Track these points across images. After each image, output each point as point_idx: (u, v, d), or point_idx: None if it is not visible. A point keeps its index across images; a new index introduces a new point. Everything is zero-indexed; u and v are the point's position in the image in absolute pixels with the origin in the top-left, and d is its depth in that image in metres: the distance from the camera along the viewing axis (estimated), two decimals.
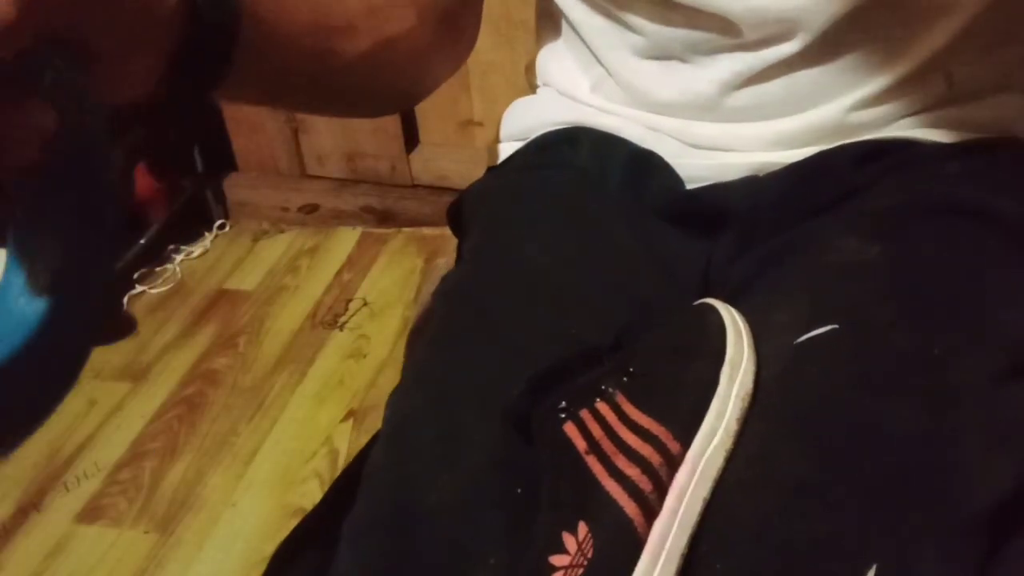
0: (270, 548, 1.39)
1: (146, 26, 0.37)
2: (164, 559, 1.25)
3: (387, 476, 0.48)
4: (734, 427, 0.42)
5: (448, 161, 1.80)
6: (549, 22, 0.69)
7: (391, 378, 1.52)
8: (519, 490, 0.45)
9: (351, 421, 1.44)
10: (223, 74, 0.42)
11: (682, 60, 0.60)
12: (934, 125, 0.58)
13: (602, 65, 0.64)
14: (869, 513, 0.39)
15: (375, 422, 1.47)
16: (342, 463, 1.37)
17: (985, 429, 0.42)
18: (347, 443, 1.40)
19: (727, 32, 0.57)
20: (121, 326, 1.69)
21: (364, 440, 1.45)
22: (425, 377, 0.53)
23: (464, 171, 1.73)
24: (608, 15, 0.62)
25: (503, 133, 0.73)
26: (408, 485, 0.47)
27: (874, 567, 0.37)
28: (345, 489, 0.52)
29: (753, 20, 0.55)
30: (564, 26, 0.67)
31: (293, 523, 1.39)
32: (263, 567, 1.32)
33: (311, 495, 1.33)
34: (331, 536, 0.49)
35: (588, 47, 0.65)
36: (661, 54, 0.61)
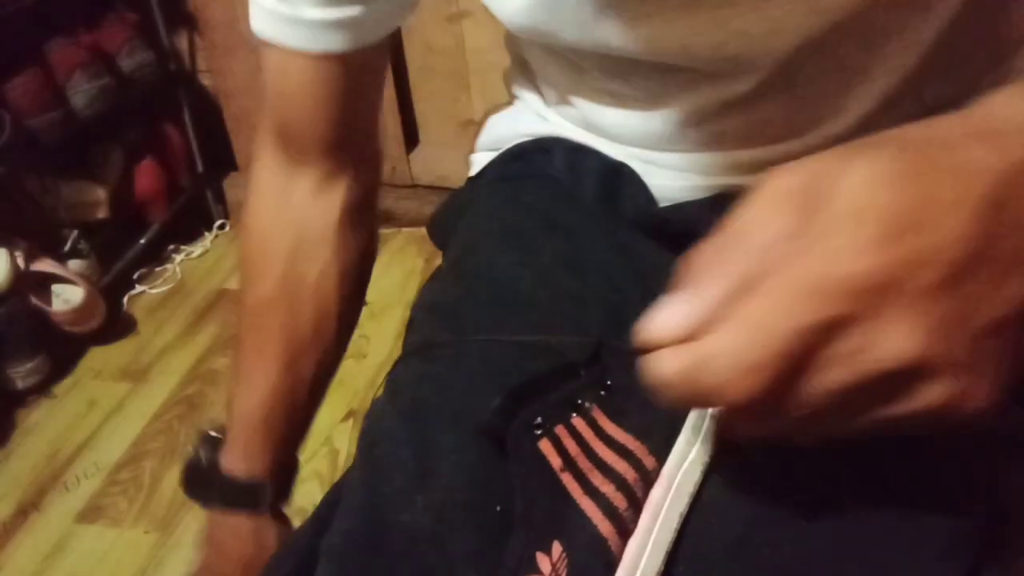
0: None
1: None
2: (164, 559, 1.25)
3: (362, 496, 0.47)
4: (712, 439, 0.41)
5: (448, 161, 1.80)
6: (513, 44, 0.68)
7: None
8: (497, 507, 0.44)
9: (351, 421, 1.44)
10: None
11: (636, 100, 0.58)
12: None
13: (565, 101, 0.63)
14: (842, 538, 0.39)
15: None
16: (342, 463, 1.37)
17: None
18: (347, 443, 1.40)
19: (678, 71, 0.56)
20: (121, 326, 1.69)
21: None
22: (400, 394, 0.52)
23: (464, 171, 1.72)
24: (561, 57, 0.61)
25: (481, 143, 0.73)
26: (382, 506, 0.46)
27: None
28: (333, 503, 0.51)
29: (694, 64, 0.54)
30: (526, 60, 0.66)
31: (293, 523, 1.39)
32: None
33: (311, 495, 1.32)
34: (311, 553, 0.49)
35: (549, 81, 0.64)
36: (616, 92, 0.59)
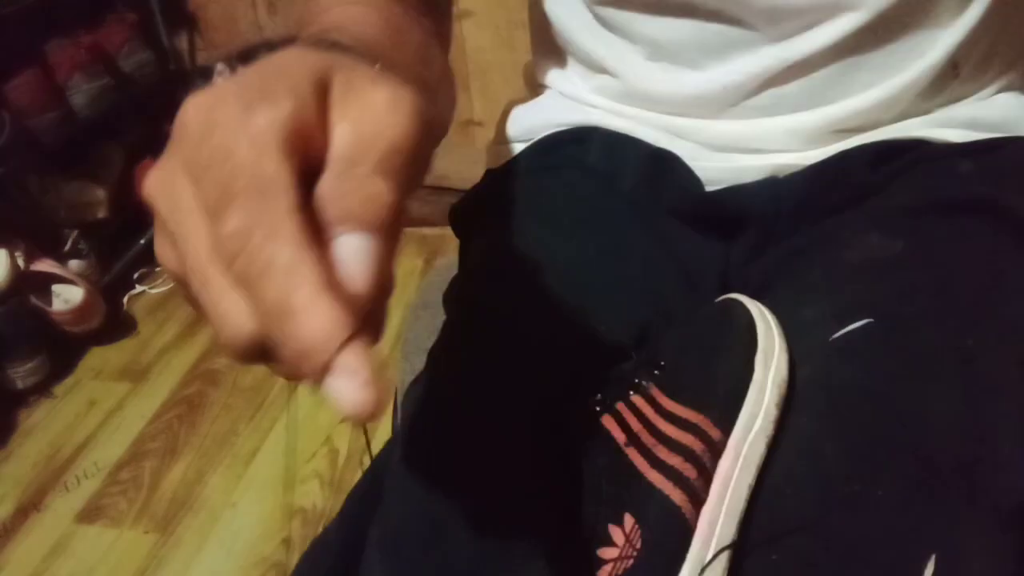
0: (270, 548, 1.40)
1: None
2: (164, 559, 1.25)
3: (419, 484, 0.47)
4: (774, 413, 0.42)
5: (448, 161, 1.80)
6: (542, 30, 0.68)
7: (390, 378, 1.51)
8: (561, 489, 0.45)
9: (351, 421, 1.43)
10: None
11: (694, 63, 0.60)
12: (947, 125, 0.59)
13: (606, 73, 0.64)
14: (915, 506, 0.40)
15: (375, 422, 1.46)
16: (342, 463, 1.37)
17: (1021, 420, 0.43)
18: (347, 443, 1.40)
19: (741, 31, 0.57)
20: (121, 326, 1.69)
21: (364, 440, 1.44)
22: (448, 385, 0.51)
23: (464, 171, 1.72)
24: (612, 25, 0.61)
25: (501, 135, 0.72)
26: (443, 493, 0.46)
27: (931, 564, 0.38)
28: (363, 499, 0.51)
29: (754, 14, 0.55)
30: (561, 38, 0.67)
31: (293, 523, 1.39)
32: (263, 567, 1.32)
33: (311, 495, 1.33)
34: (348, 545, 0.48)
35: (589, 57, 0.64)
36: (672, 59, 0.60)
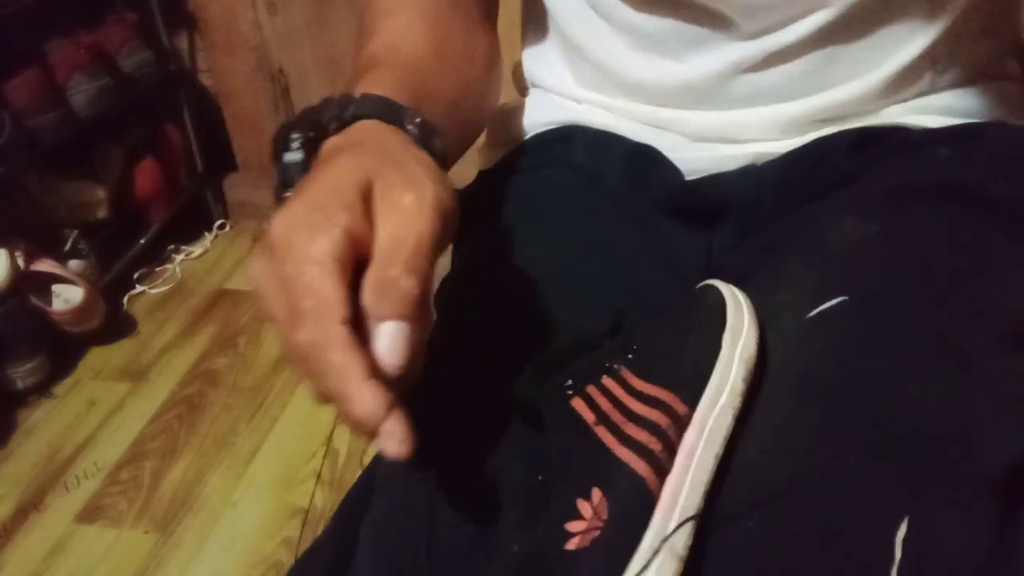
0: (270, 548, 1.40)
1: None
2: (164, 559, 1.25)
3: (405, 475, 0.48)
4: (740, 387, 0.43)
5: None
6: (535, 24, 0.70)
7: None
8: (539, 477, 0.45)
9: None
10: None
11: (676, 54, 0.60)
12: (924, 112, 0.60)
13: (593, 62, 0.65)
14: (889, 476, 0.40)
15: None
16: (342, 463, 1.37)
17: (995, 395, 0.43)
18: (347, 443, 1.40)
19: (721, 24, 0.57)
20: (121, 326, 1.69)
21: (364, 440, 1.45)
22: (434, 379, 0.53)
23: (463, 171, 1.72)
24: (599, 12, 0.62)
25: (491, 138, 0.74)
26: (427, 482, 0.47)
27: (903, 527, 0.38)
28: (366, 489, 0.52)
29: (750, 13, 0.56)
30: (551, 27, 0.68)
31: (293, 523, 1.39)
32: (263, 567, 1.32)
33: (311, 495, 1.33)
34: (343, 546, 0.49)
35: (577, 46, 0.65)
36: (655, 49, 0.61)
